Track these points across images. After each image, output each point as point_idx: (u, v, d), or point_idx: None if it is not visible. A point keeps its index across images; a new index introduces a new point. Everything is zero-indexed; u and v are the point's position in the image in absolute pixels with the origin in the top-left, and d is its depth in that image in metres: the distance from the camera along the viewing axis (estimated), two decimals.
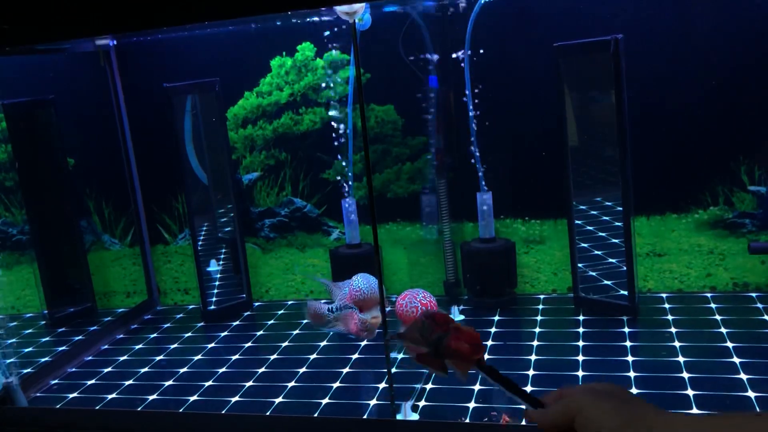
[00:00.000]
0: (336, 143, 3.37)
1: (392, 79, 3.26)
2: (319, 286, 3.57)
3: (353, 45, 2.35)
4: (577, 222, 3.07)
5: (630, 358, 2.54)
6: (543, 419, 0.92)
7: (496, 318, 3.06)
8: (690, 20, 2.88)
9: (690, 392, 2.26)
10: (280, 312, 3.48)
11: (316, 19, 3.28)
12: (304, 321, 3.31)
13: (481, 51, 3.09)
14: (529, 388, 2.41)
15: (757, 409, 2.13)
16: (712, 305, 2.93)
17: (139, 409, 2.61)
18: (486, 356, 2.71)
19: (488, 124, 3.15)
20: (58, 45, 3.33)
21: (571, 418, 0.87)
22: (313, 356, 2.90)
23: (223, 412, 2.50)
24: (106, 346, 3.31)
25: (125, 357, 3.15)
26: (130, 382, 2.86)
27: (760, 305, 2.88)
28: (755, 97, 2.84)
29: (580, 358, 2.59)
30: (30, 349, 3.35)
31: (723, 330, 2.69)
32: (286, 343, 3.07)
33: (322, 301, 2.54)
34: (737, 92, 2.87)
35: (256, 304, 3.62)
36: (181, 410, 2.55)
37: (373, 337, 2.49)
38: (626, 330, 2.79)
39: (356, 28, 2.18)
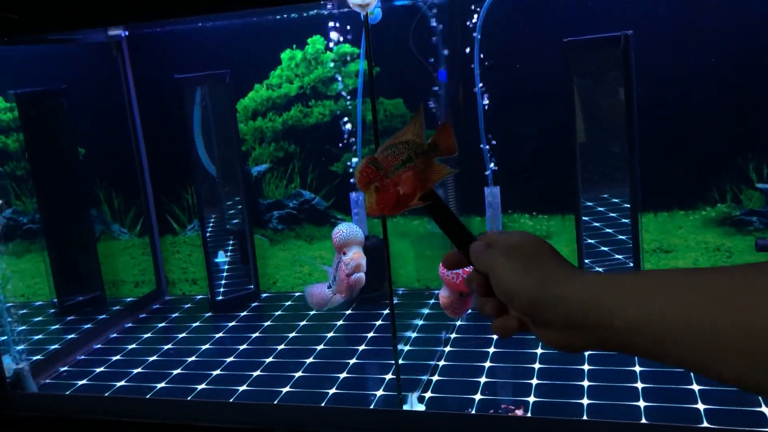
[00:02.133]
0: (343, 140, 3.38)
1: (401, 73, 3.27)
2: (324, 278, 3.59)
3: (365, 38, 2.36)
4: (584, 218, 3.08)
5: None
6: (458, 262, 0.95)
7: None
8: (700, 16, 2.88)
9: (695, 387, 2.27)
10: (287, 303, 3.50)
11: (329, 11, 3.29)
12: (312, 312, 3.33)
13: (493, 43, 3.10)
14: (534, 381, 2.43)
15: (762, 405, 2.14)
16: None
17: (147, 396, 2.63)
18: (492, 349, 2.74)
19: (497, 118, 3.16)
20: (70, 35, 3.35)
21: (486, 274, 0.87)
22: (320, 347, 2.92)
23: (231, 400, 2.52)
24: (114, 335, 3.34)
25: (134, 345, 3.18)
26: (139, 370, 2.89)
27: None
28: (764, 93, 2.84)
29: (586, 352, 2.60)
30: (40, 336, 3.38)
31: None
32: (293, 334, 3.09)
33: (320, 283, 2.57)
34: (746, 89, 2.87)
35: (264, 295, 3.65)
36: (189, 398, 2.58)
37: (359, 274, 2.50)
38: None
39: (368, 20, 2.19)
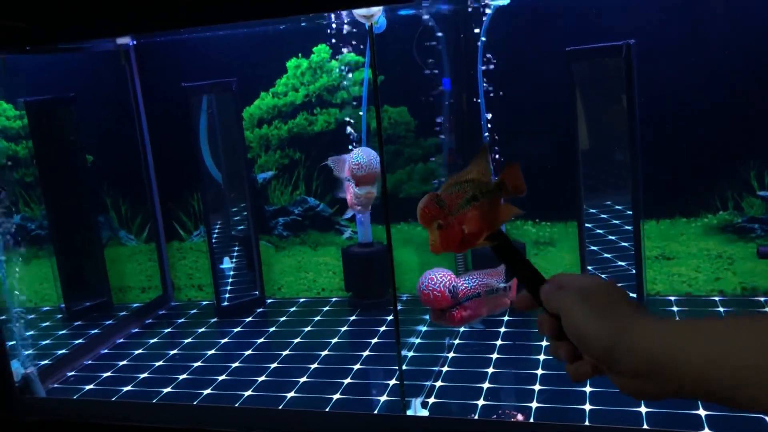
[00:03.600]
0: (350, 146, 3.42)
1: (406, 82, 3.30)
2: (328, 284, 3.62)
3: (369, 47, 2.40)
4: (587, 225, 3.10)
5: None
6: (529, 305, 0.91)
7: (506, 318, 3.09)
8: (701, 26, 2.91)
9: None
10: (292, 309, 3.53)
11: (333, 21, 3.33)
12: (316, 318, 3.36)
13: (497, 52, 3.13)
14: (537, 387, 2.45)
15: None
16: (720, 309, 2.95)
17: (153, 401, 2.66)
18: (495, 355, 2.76)
19: (500, 126, 3.18)
20: (79, 44, 3.39)
21: (558, 316, 0.85)
22: (324, 352, 2.95)
23: (236, 405, 2.54)
24: (121, 340, 3.37)
25: (140, 351, 3.21)
26: (145, 375, 2.92)
27: None
28: (766, 102, 2.86)
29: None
30: (48, 341, 3.41)
31: None
32: (298, 340, 3.12)
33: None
34: (748, 98, 2.89)
35: (269, 301, 3.67)
36: (194, 403, 2.60)
37: (366, 211, 2.48)
38: None
39: (372, 30, 2.22)
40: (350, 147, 3.42)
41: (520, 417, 2.26)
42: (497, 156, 3.20)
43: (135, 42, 3.58)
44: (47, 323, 3.66)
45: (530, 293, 0.91)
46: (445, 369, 2.68)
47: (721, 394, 0.68)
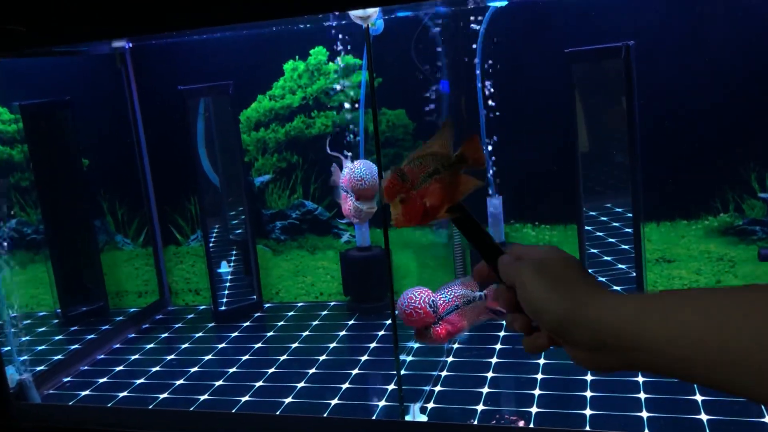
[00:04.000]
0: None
1: (404, 84, 3.28)
2: (326, 288, 3.60)
3: (366, 49, 2.38)
4: (587, 227, 3.08)
5: None
6: (486, 275, 0.92)
7: (504, 322, 3.06)
8: (701, 27, 2.89)
9: (699, 398, 2.26)
10: (290, 313, 3.50)
11: (331, 23, 3.31)
12: (314, 323, 3.33)
13: (495, 54, 3.11)
14: (537, 392, 2.42)
15: (766, 417, 2.13)
16: None
17: (150, 407, 2.63)
18: (494, 360, 2.73)
19: (499, 128, 3.16)
20: (75, 47, 3.37)
21: (514, 289, 0.85)
22: (322, 357, 2.92)
23: (233, 411, 2.52)
24: (117, 345, 3.35)
25: (137, 356, 3.18)
26: (142, 380, 2.89)
27: None
28: (766, 104, 2.85)
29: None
30: (43, 346, 3.39)
31: None
32: (295, 345, 3.10)
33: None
34: (748, 99, 2.87)
35: (267, 305, 3.65)
36: (191, 409, 2.58)
37: (363, 223, 2.45)
38: None
39: (369, 32, 2.20)
40: (345, 153, 3.40)
41: (520, 423, 2.23)
42: (491, 154, 3.18)
43: (131, 45, 3.56)
44: (43, 328, 3.64)
45: (489, 265, 0.92)
46: (444, 374, 2.66)
47: (675, 369, 0.68)
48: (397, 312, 2.72)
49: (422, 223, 0.96)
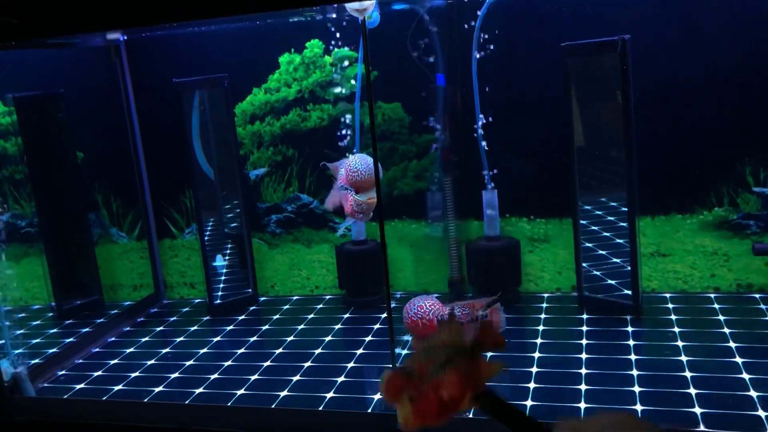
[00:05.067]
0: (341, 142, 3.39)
1: (400, 77, 3.27)
2: (322, 282, 3.60)
3: (362, 42, 2.37)
4: (582, 221, 3.08)
5: (633, 357, 2.56)
6: None
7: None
8: (697, 21, 2.89)
9: (692, 391, 2.27)
10: (285, 307, 3.50)
11: (329, 15, 3.30)
12: (309, 316, 3.33)
13: (491, 48, 3.11)
14: (532, 385, 2.43)
15: (759, 409, 2.14)
16: (716, 306, 2.94)
17: (145, 400, 2.63)
18: (489, 353, 2.73)
19: (495, 122, 3.16)
20: (69, 39, 3.36)
21: None
22: (318, 350, 2.92)
23: (229, 404, 2.52)
24: (112, 339, 3.34)
25: (132, 349, 3.18)
26: (137, 374, 2.89)
27: (763, 306, 2.89)
28: (762, 98, 2.85)
29: (584, 356, 2.61)
30: (38, 340, 3.38)
31: (726, 330, 2.70)
32: (291, 338, 3.10)
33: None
34: (743, 93, 2.88)
35: (262, 299, 3.65)
36: (186, 402, 2.58)
37: (368, 219, 2.46)
38: (629, 329, 2.80)
39: (365, 25, 2.19)
40: (340, 144, 3.40)
41: None
42: (486, 147, 3.18)
43: (125, 37, 3.54)
44: (37, 322, 3.63)
45: None
46: None
47: None
48: (404, 318, 2.72)
49: (441, 419, 0.90)
